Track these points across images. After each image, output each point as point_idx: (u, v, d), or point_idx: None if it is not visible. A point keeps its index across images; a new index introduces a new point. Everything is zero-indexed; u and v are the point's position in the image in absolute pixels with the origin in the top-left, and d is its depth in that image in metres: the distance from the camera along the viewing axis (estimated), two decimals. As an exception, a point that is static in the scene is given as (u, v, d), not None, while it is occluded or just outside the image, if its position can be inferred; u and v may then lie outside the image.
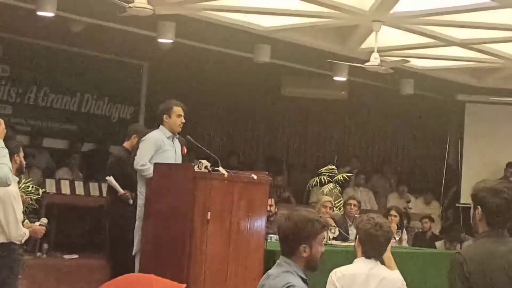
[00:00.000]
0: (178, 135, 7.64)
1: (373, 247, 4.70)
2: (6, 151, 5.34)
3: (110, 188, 8.48)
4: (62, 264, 10.12)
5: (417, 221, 13.01)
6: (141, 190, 7.44)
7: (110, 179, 8.31)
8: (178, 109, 7.55)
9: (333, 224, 9.02)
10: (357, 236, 4.78)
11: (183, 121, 7.56)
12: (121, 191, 8.24)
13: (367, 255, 4.70)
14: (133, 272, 7.75)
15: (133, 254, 7.40)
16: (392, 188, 14.70)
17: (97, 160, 11.44)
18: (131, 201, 8.13)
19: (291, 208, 11.07)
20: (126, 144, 8.59)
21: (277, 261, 3.97)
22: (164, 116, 7.55)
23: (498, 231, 3.78)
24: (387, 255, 5.10)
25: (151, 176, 7.22)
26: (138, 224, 7.39)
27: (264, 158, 14.51)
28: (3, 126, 5.38)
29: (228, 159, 12.62)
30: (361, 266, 4.68)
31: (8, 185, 5.38)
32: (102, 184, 10.50)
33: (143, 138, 7.61)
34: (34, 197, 8.19)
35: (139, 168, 7.41)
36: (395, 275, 4.94)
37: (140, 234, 7.30)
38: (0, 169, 5.21)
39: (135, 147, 8.19)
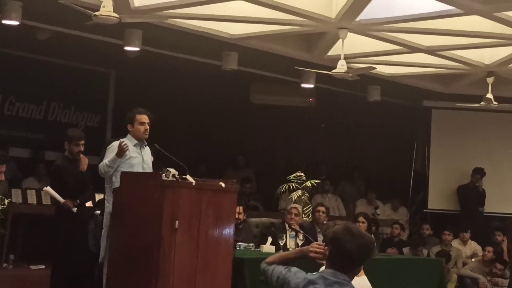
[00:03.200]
0: (145, 143, 7.63)
1: None
2: None
3: (51, 197, 8.28)
4: (28, 274, 10.03)
5: (385, 227, 13.07)
6: (109, 198, 7.42)
7: (48, 189, 8.12)
8: (140, 117, 7.57)
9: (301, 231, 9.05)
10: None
11: (147, 128, 7.57)
12: (61, 200, 8.03)
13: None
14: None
15: (99, 262, 7.38)
16: (361, 194, 14.75)
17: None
18: (74, 209, 8.06)
19: (261, 215, 11.08)
20: (66, 152, 8.37)
21: (338, 280, 3.85)
22: (128, 126, 7.61)
23: None
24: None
25: (110, 174, 7.32)
26: (104, 231, 7.36)
27: (232, 166, 14.48)
28: None
29: (196, 167, 12.58)
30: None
31: None
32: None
33: (109, 145, 7.61)
34: (0, 208, 8.11)
35: (100, 167, 7.44)
36: (363, 282, 4.95)
37: (105, 242, 7.28)
38: None
39: (74, 153, 8.17)
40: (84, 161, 8.23)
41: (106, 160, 7.40)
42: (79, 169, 8.20)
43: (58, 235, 8.11)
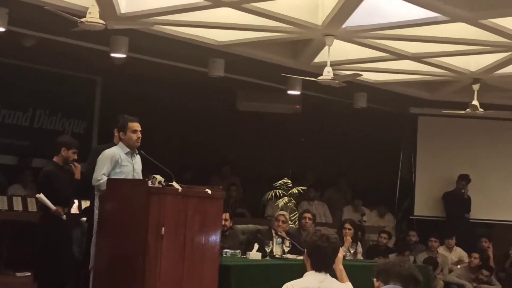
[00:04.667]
0: (136, 151, 7.61)
1: (321, 259, 4.69)
2: None
3: (42, 204, 8.15)
4: (14, 281, 9.97)
5: (372, 233, 13.08)
6: (96, 205, 7.39)
7: (41, 196, 7.98)
8: (133, 125, 7.53)
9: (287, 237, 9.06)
10: (305, 249, 4.78)
11: (139, 136, 7.54)
12: (52, 207, 7.92)
13: (316, 268, 4.69)
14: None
15: (89, 269, 7.36)
16: (347, 201, 14.77)
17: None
18: (64, 217, 8.01)
19: (247, 222, 11.07)
20: (56, 159, 8.23)
21: None
22: (120, 133, 7.54)
23: None
24: (339, 268, 5.12)
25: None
26: (94, 238, 7.33)
27: (218, 173, 14.48)
28: None
29: (182, 174, 12.55)
30: (311, 279, 4.66)
31: None
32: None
33: (101, 154, 7.54)
34: (-15, 215, 8.08)
35: (96, 184, 7.36)
36: (348, 288, 4.97)
37: (93, 250, 7.26)
38: None
39: (69, 161, 8.11)
40: (78, 169, 8.17)
41: (103, 181, 7.30)
42: (74, 177, 8.15)
43: (44, 242, 8.06)
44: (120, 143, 7.56)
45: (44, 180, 8.18)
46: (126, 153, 7.50)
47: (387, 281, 4.36)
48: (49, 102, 13.33)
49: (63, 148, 8.18)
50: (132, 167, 7.53)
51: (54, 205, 7.95)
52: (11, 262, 10.36)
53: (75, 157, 8.19)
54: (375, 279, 4.40)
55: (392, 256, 11.89)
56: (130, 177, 7.48)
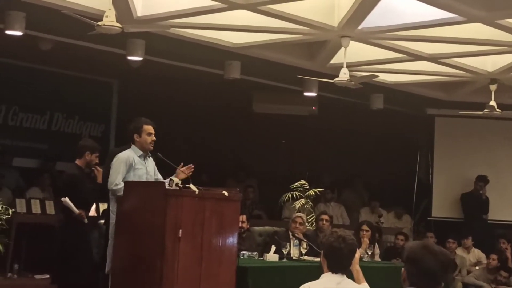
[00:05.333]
0: (149, 154, 7.62)
1: (337, 260, 4.68)
2: None
3: (64, 207, 8.15)
4: (33, 284, 10.04)
5: (389, 235, 13.05)
6: (113, 209, 7.40)
7: (66, 200, 8.00)
8: (148, 128, 7.54)
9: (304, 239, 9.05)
10: (322, 251, 4.78)
11: (154, 139, 7.55)
12: (76, 211, 7.96)
13: (333, 270, 4.68)
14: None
15: (105, 273, 7.37)
16: (364, 202, 14.74)
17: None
18: (86, 220, 8.05)
19: (264, 224, 11.07)
20: (78, 162, 8.28)
21: None
22: (135, 136, 7.53)
23: None
24: (356, 268, 5.11)
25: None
26: (111, 242, 7.35)
27: (234, 175, 14.48)
28: None
29: (198, 176, 12.54)
30: (328, 281, 4.66)
31: None
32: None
33: (115, 157, 7.56)
34: (4, 217, 8.12)
35: (114, 189, 7.35)
36: (364, 290, 4.96)
37: (111, 253, 7.28)
38: None
39: (92, 164, 8.15)
40: (100, 173, 8.21)
41: (120, 186, 7.31)
42: (96, 181, 8.19)
43: (65, 244, 8.09)
44: (133, 146, 7.55)
45: (69, 184, 8.23)
46: (139, 156, 7.50)
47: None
48: (67, 105, 13.40)
49: (87, 152, 8.24)
50: (145, 170, 7.53)
51: (77, 208, 8.00)
52: (29, 265, 10.43)
53: (97, 161, 8.24)
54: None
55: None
56: (143, 179, 7.49)
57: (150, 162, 7.64)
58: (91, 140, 8.84)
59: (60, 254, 8.14)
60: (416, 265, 3.71)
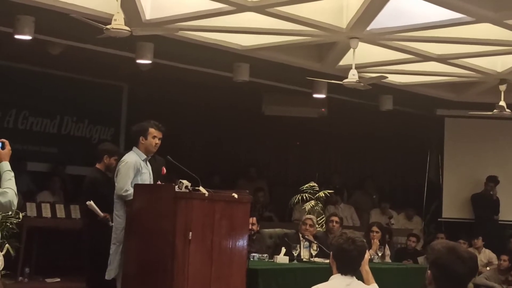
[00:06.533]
0: (150, 156, 7.63)
1: (347, 262, 4.67)
2: (12, 174, 5.14)
3: (88, 211, 8.23)
4: (44, 287, 10.06)
5: (399, 236, 13.02)
6: (118, 213, 7.41)
7: (91, 204, 8.07)
8: (153, 131, 7.55)
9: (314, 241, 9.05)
10: (331, 252, 4.77)
11: (158, 142, 7.56)
12: (101, 214, 8.03)
13: (342, 271, 4.68)
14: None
15: (107, 278, 7.35)
16: (374, 204, 14.72)
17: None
18: (110, 223, 8.07)
19: (274, 225, 11.07)
20: (98, 166, 8.44)
21: None
22: (140, 138, 7.55)
23: None
24: (365, 269, 5.10)
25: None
26: (115, 248, 7.36)
27: (245, 177, 14.48)
28: (9, 147, 5.27)
29: (210, 178, 12.58)
30: (337, 282, 4.65)
31: (13, 210, 5.24)
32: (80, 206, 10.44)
33: (121, 161, 7.57)
34: (15, 221, 8.13)
35: (123, 195, 7.35)
36: (373, 290, 4.96)
37: (118, 258, 7.26)
38: (4, 195, 5.02)
39: (111, 168, 8.17)
40: None
41: (130, 191, 7.32)
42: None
43: (94, 248, 8.10)
44: (137, 149, 7.56)
45: (92, 187, 8.29)
46: (143, 160, 7.52)
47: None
48: (76, 109, 13.44)
49: (106, 155, 8.33)
50: (149, 173, 7.56)
51: (102, 211, 8.04)
52: (40, 268, 10.45)
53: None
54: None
55: (420, 259, 11.86)
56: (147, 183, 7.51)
57: (149, 165, 7.66)
58: (110, 144, 8.92)
59: (90, 258, 8.17)
60: (444, 271, 3.64)
